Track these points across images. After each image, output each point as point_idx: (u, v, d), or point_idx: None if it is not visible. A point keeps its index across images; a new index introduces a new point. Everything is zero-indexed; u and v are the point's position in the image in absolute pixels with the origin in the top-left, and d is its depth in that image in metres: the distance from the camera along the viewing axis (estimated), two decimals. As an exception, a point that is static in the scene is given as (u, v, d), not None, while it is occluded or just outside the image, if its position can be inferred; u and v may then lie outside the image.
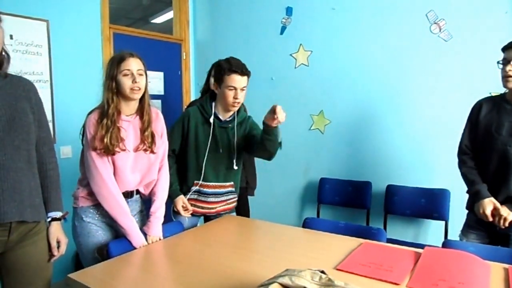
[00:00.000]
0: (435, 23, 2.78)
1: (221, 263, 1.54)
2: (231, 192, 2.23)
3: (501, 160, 1.83)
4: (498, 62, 1.84)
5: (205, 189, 2.13)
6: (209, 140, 2.07)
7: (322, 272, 1.07)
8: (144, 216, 1.90)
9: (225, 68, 1.98)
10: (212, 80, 2.36)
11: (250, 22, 3.65)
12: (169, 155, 2.02)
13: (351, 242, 1.75)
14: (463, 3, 2.66)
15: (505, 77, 1.80)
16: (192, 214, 2.17)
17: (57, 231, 1.61)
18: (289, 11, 3.40)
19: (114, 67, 1.68)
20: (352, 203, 3.12)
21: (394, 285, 1.32)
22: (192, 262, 1.56)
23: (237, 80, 1.98)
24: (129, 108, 1.77)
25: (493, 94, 2.08)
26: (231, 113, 2.12)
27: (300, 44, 3.36)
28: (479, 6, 2.61)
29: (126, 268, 1.54)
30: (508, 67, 1.77)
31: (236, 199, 2.31)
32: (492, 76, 2.60)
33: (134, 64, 1.70)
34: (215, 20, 3.95)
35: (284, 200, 3.49)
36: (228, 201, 2.24)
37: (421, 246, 1.69)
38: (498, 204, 1.78)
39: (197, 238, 1.91)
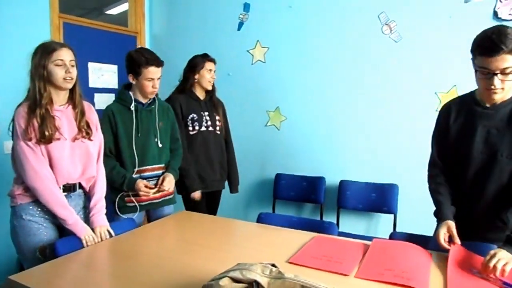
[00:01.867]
0: (386, 24, 2.89)
1: (173, 259, 1.52)
2: None
3: (477, 169, 1.60)
4: (476, 70, 1.52)
5: (145, 174, 2.19)
6: (134, 125, 2.15)
7: (273, 265, 1.09)
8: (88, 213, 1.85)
9: (141, 61, 2.11)
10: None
11: (208, 17, 3.62)
12: (107, 155, 2.06)
13: (304, 236, 1.78)
14: (413, 6, 2.79)
15: (488, 90, 1.50)
16: (140, 206, 2.18)
17: None
18: (246, 7, 3.40)
19: (44, 56, 1.66)
20: (306, 198, 3.19)
21: (343, 276, 1.36)
22: (143, 259, 1.53)
23: (155, 72, 2.14)
24: (59, 98, 1.76)
25: (461, 94, 1.77)
26: (151, 97, 2.26)
27: (257, 41, 3.38)
28: (427, 10, 2.74)
29: (73, 267, 1.48)
30: (496, 80, 1.44)
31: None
32: (437, 77, 2.76)
33: (66, 55, 1.70)
34: (171, 14, 3.88)
35: (240, 195, 3.49)
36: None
37: (371, 238, 1.75)
38: (454, 231, 1.55)
39: (149, 235, 1.87)
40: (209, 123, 2.63)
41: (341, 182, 3.05)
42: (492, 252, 1.34)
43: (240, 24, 3.45)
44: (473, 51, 1.50)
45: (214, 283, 1.03)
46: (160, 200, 2.25)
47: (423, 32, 2.77)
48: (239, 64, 3.47)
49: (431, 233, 1.74)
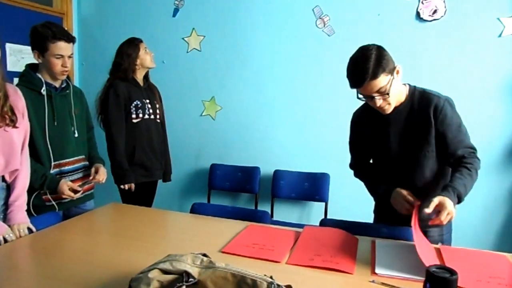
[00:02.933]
0: (320, 18, 2.97)
1: (100, 253, 1.45)
2: (86, 166, 2.13)
3: (398, 168, 1.67)
4: (358, 98, 1.57)
5: (65, 168, 2.00)
6: (47, 112, 1.92)
7: (204, 255, 1.08)
8: None
9: (48, 35, 1.84)
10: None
11: (142, 0, 3.47)
12: None
13: (237, 225, 1.79)
14: (345, 2, 2.89)
15: (377, 107, 1.54)
16: (59, 204, 1.99)
17: None
18: (182, -7, 3.31)
19: None
20: (241, 188, 3.22)
21: (275, 263, 1.39)
22: (67, 255, 1.45)
23: (64, 48, 1.88)
24: None
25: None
26: (62, 78, 2.01)
27: (193, 29, 3.31)
28: (358, 6, 2.87)
29: (-14, 267, 1.36)
30: (377, 101, 1.49)
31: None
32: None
33: None
34: (102, -6, 3.66)
35: (175, 186, 3.43)
36: (88, 179, 2.10)
37: (304, 226, 1.79)
38: (407, 196, 1.58)
39: (75, 229, 1.76)
40: (150, 111, 2.55)
41: (275, 172, 3.12)
42: (439, 201, 1.34)
43: (176, 11, 3.35)
44: (354, 87, 1.51)
45: (143, 276, 1.00)
46: (81, 195, 2.05)
47: (354, 27, 2.89)
48: (174, 52, 3.37)
49: (359, 219, 1.84)
